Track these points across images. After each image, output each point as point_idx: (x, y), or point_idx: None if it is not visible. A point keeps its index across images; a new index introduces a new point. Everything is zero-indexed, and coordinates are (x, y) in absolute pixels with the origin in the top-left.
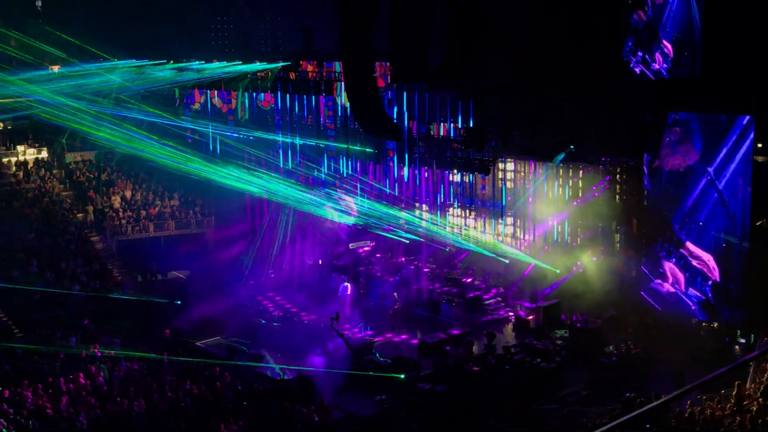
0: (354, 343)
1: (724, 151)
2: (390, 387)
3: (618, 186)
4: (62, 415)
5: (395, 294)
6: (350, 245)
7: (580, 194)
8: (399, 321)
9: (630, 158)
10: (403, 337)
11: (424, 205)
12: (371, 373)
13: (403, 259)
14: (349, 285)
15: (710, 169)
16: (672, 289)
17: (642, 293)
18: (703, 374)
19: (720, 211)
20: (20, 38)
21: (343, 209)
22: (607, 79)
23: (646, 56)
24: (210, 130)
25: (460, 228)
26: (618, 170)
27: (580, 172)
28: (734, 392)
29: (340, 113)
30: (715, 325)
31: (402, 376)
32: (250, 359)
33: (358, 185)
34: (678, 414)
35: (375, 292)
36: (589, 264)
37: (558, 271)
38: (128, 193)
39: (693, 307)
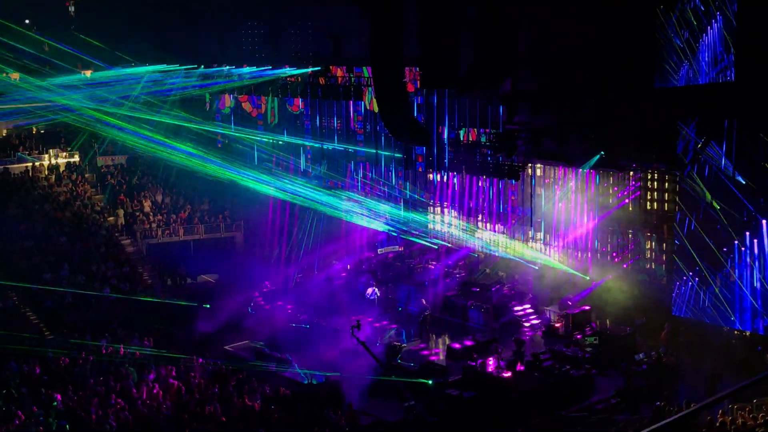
0: (376, 350)
1: None
2: (418, 393)
3: (649, 192)
4: (92, 417)
5: (423, 300)
6: (378, 250)
7: (610, 200)
8: (429, 327)
9: (662, 164)
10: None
11: (453, 211)
12: (394, 378)
13: (432, 264)
14: (377, 290)
15: None
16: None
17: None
18: (734, 383)
19: None
20: (53, 44)
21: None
22: (639, 85)
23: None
24: (240, 134)
25: (489, 233)
26: (649, 177)
27: (611, 178)
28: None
29: (369, 118)
30: (747, 333)
31: (430, 382)
32: (277, 363)
33: (387, 190)
34: (709, 423)
35: (402, 297)
36: (620, 271)
37: (588, 278)
38: (159, 197)
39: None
